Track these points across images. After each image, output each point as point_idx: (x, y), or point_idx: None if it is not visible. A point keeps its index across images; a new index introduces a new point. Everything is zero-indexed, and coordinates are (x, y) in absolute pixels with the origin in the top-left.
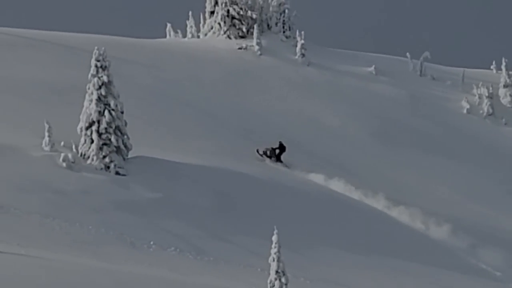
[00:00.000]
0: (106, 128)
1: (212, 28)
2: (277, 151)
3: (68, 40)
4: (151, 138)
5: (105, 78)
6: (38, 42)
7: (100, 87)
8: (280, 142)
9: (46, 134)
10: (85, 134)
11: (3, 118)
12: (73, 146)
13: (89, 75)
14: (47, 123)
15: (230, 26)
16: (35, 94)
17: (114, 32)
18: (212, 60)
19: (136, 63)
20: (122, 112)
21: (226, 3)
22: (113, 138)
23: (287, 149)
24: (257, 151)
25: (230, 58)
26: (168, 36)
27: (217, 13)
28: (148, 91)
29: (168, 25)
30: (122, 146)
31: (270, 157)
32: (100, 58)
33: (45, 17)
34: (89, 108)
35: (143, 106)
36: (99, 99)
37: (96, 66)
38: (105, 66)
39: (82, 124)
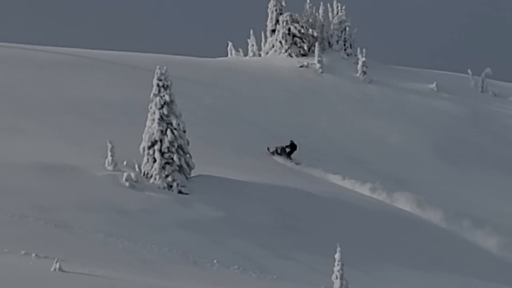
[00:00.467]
0: (168, 147)
1: (273, 46)
2: (288, 149)
3: (130, 60)
4: (213, 157)
5: (167, 97)
6: (101, 62)
7: (162, 106)
8: (291, 141)
9: (109, 153)
10: (148, 153)
11: (66, 138)
12: (136, 166)
13: (151, 95)
14: (110, 142)
15: (291, 44)
16: (98, 114)
17: (176, 51)
18: (273, 78)
19: (197, 82)
20: (184, 131)
21: (287, 21)
22: (175, 157)
23: (298, 148)
24: (268, 149)
25: (291, 76)
26: (229, 54)
27: (278, 31)
28: (210, 109)
29: (230, 43)
30: (184, 165)
31: (280, 154)
32: (162, 77)
33: (108, 37)
34: (152, 127)
35: (205, 124)
36: (161, 118)
37: (158, 85)
38: (167, 85)
39: (145, 143)
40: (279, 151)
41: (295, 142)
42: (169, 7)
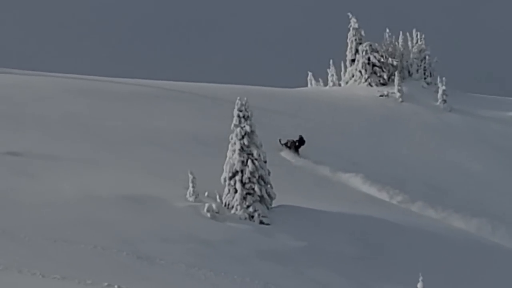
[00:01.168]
0: (249, 178)
1: (353, 76)
2: (297, 143)
3: (210, 91)
4: (294, 186)
5: (247, 128)
6: (181, 93)
7: (243, 137)
8: (300, 135)
9: (190, 184)
10: (229, 184)
11: (148, 170)
12: (217, 196)
13: (232, 125)
14: (191, 173)
15: (371, 73)
16: (179, 145)
17: (257, 82)
18: (353, 107)
19: (278, 112)
20: (265, 161)
21: (366, 51)
22: (256, 188)
23: (306, 143)
24: (280, 140)
25: (371, 105)
26: (309, 84)
27: (358, 61)
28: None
29: (310, 74)
30: (265, 196)
31: (289, 147)
32: (243, 108)
33: (187, 69)
34: (232, 158)
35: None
36: (242, 148)
37: (238, 116)
38: (248, 116)
39: (226, 174)
40: (289, 144)
41: (304, 138)
42: (250, 39)
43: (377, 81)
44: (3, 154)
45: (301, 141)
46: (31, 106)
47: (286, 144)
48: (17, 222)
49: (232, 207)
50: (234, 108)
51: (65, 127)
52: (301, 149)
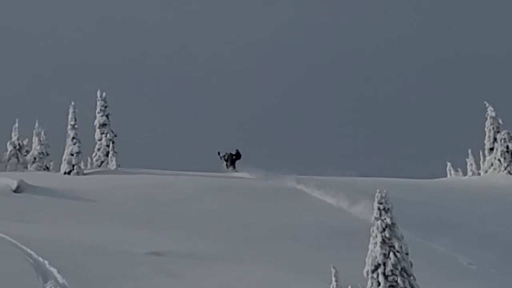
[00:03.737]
0: (392, 270)
1: (492, 164)
2: (234, 157)
3: (349, 184)
4: (437, 277)
5: (388, 220)
6: (320, 187)
7: (384, 230)
8: (237, 149)
9: (333, 279)
10: (372, 277)
11: (289, 265)
12: None
13: (373, 218)
14: (333, 268)
15: (510, 161)
16: (319, 239)
17: (396, 174)
18: (491, 196)
19: (417, 203)
20: (407, 254)
21: (505, 139)
22: (399, 280)
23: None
24: (218, 153)
25: (510, 192)
26: (448, 175)
27: (497, 149)
28: (431, 229)
29: (448, 164)
30: (408, 287)
31: (226, 160)
32: (383, 200)
33: (324, 163)
34: (374, 251)
35: (423, 245)
36: (383, 241)
37: (379, 208)
38: (388, 209)
39: (368, 267)
40: (226, 157)
41: (240, 152)
42: (387, 130)
43: None
44: (147, 254)
45: (238, 155)
46: (172, 206)
47: (224, 157)
48: None
49: None
50: (373, 200)
51: (206, 226)
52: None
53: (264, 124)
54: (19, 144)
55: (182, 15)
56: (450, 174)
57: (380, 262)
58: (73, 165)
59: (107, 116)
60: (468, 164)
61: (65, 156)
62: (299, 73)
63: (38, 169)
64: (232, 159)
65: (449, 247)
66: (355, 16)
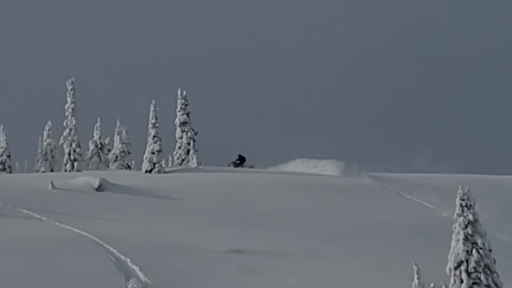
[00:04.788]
0: (475, 267)
1: None
2: (238, 162)
3: (432, 181)
4: None
5: (470, 217)
6: (403, 187)
7: (466, 226)
8: (239, 155)
9: (415, 276)
10: (454, 274)
11: (373, 262)
12: (443, 287)
13: (455, 215)
14: (415, 265)
15: None
16: (402, 236)
17: (477, 170)
18: None
19: (498, 199)
20: (490, 250)
21: None
22: (482, 277)
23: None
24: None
25: None
26: None
27: None
28: None
29: None
30: (492, 285)
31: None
32: (465, 197)
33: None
34: (457, 247)
35: (507, 242)
36: (466, 238)
37: (461, 205)
38: (470, 205)
39: (451, 264)
40: (233, 165)
41: (243, 155)
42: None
43: None
44: (229, 251)
45: (242, 159)
46: (253, 203)
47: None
48: None
49: None
50: (455, 197)
51: (287, 223)
52: None
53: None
54: (101, 143)
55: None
56: None
57: (462, 259)
58: (154, 164)
59: (187, 114)
60: None
61: (146, 154)
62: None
63: (119, 167)
64: (237, 164)
65: None
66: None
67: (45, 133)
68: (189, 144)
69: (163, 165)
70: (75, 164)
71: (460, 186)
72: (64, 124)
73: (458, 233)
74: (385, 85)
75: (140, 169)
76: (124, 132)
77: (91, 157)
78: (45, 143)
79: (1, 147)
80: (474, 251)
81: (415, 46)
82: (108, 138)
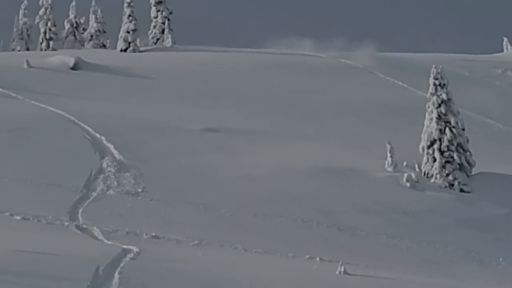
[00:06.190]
0: (448, 146)
1: None
2: None
3: (406, 61)
4: (493, 153)
5: (444, 96)
6: (379, 65)
7: (439, 105)
8: None
9: (389, 154)
10: (427, 153)
11: (346, 141)
12: (416, 166)
13: (428, 94)
14: (389, 143)
15: None
16: (376, 116)
17: (450, 49)
18: None
19: (471, 79)
20: (463, 129)
21: None
22: (455, 156)
23: None
24: None
25: None
26: (505, 50)
27: None
28: (486, 107)
29: (505, 39)
30: (465, 163)
31: None
32: (438, 76)
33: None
34: (430, 126)
35: (483, 123)
36: (439, 117)
37: (434, 84)
38: (444, 84)
39: (424, 143)
40: None
41: None
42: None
43: None
44: (202, 130)
45: None
46: (228, 82)
47: None
48: (218, 197)
49: (431, 176)
50: (429, 76)
51: (262, 102)
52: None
53: None
54: (76, 22)
55: None
56: (507, 49)
57: (436, 137)
58: (129, 43)
59: None
60: None
61: (122, 33)
62: None
63: (94, 46)
64: None
65: (505, 122)
66: None
67: (21, 12)
68: (163, 23)
69: (138, 44)
70: (51, 43)
71: (433, 65)
72: (40, 3)
73: (432, 112)
74: None
75: (115, 48)
76: (99, 11)
77: (67, 36)
78: (21, 22)
79: None
80: (447, 129)
81: None
82: (84, 17)
